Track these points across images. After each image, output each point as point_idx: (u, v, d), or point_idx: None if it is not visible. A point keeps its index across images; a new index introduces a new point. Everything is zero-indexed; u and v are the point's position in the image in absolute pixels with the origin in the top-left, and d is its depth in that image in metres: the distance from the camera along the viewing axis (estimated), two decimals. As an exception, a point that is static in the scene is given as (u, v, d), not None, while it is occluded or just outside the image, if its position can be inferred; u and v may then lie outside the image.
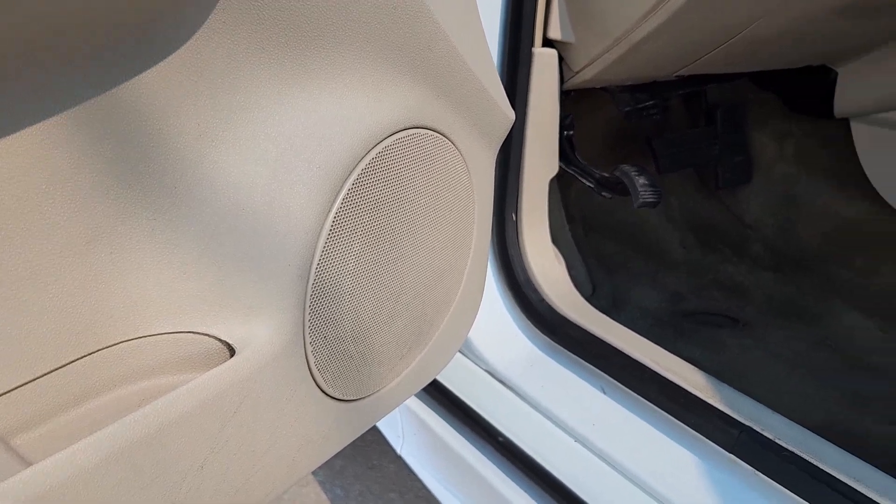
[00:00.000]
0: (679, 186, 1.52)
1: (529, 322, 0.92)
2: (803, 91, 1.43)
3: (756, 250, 1.46)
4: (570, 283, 0.96)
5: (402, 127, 0.56)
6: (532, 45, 0.86)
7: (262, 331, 0.49)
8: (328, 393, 0.56)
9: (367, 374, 0.59)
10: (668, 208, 1.48)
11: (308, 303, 0.51)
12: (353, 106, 0.53)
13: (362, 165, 0.53)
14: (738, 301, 1.32)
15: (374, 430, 1.19)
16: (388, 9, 0.51)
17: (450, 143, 0.61)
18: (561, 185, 1.27)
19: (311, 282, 0.51)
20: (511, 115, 0.66)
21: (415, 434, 1.03)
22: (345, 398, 0.58)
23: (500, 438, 0.88)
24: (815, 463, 0.66)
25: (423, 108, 0.58)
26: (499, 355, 0.91)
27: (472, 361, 0.94)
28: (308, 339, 0.52)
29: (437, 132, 0.60)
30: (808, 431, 0.72)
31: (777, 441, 0.70)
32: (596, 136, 1.36)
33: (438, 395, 0.97)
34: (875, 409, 1.05)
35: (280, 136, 0.49)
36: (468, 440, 0.92)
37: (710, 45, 0.91)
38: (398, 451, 1.08)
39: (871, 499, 0.62)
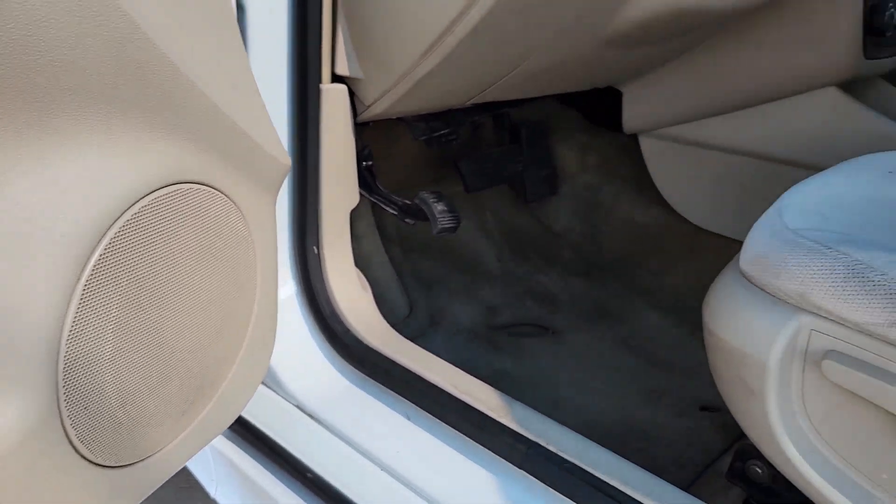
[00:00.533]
0: (494, 201, 1.59)
1: (337, 354, 0.93)
2: (601, 107, 1.54)
3: (566, 257, 1.55)
4: (376, 312, 0.98)
5: (162, 184, 0.56)
6: (320, 81, 0.88)
7: (10, 412, 0.48)
8: (98, 462, 0.55)
9: (142, 437, 0.58)
10: (483, 222, 1.55)
11: (61, 377, 0.50)
12: (102, 169, 0.52)
13: (115, 229, 0.52)
14: (549, 309, 1.40)
15: (190, 475, 1.16)
16: (134, 70, 0.51)
17: (219, 194, 0.61)
18: (376, 209, 1.30)
19: (62, 356, 0.49)
20: (286, 161, 0.67)
21: (227, 476, 1.01)
22: (119, 464, 0.57)
23: (309, 474, 0.88)
24: (590, 470, 0.72)
25: (185, 164, 0.57)
26: (307, 389, 0.92)
27: (282, 397, 0.94)
28: (65, 413, 0.50)
29: (204, 185, 0.60)
30: (589, 441, 0.78)
31: (560, 454, 0.75)
32: (403, 160, 1.40)
33: (247, 434, 0.96)
34: (667, 402, 1.15)
35: (14, 208, 0.47)
36: (278, 478, 0.92)
37: (492, 79, 0.97)
38: (212, 494, 1.06)
39: (635, 499, 0.68)
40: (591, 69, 1.11)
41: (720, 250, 1.42)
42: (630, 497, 0.69)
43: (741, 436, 1.07)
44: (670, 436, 1.07)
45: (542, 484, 0.73)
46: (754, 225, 0.77)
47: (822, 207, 0.76)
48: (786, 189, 1.25)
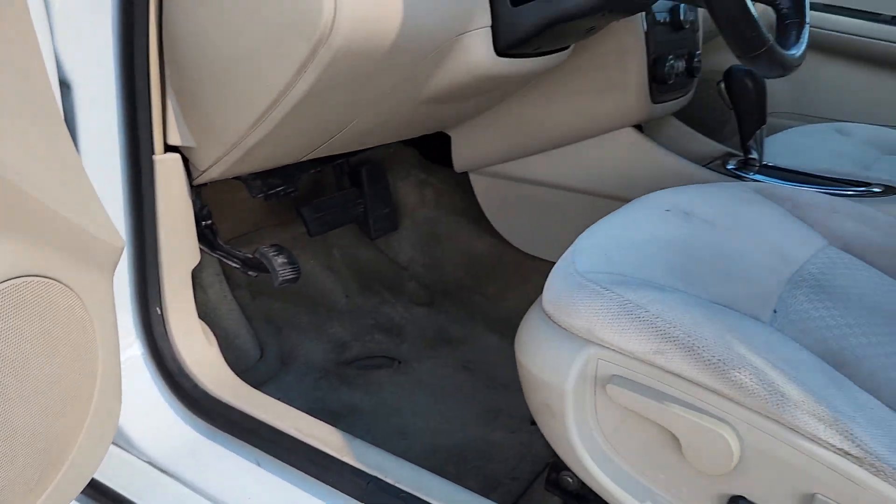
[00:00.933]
0: (340, 239, 1.66)
1: (186, 409, 0.97)
2: (435, 146, 1.66)
3: (411, 288, 1.65)
4: (223, 364, 1.03)
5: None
6: (152, 153, 0.92)
7: None
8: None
9: (-8, 516, 0.61)
10: (331, 261, 1.62)
11: None
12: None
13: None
14: (396, 340, 1.49)
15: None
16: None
17: (56, 282, 0.65)
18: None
19: None
20: (118, 243, 0.71)
21: (82, 540, 1.02)
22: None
23: (164, 530, 0.92)
24: (425, 498, 0.81)
25: (19, 260, 0.61)
26: (159, 446, 0.95)
27: (135, 456, 0.97)
28: None
29: (40, 276, 0.63)
30: (423, 470, 0.87)
31: (397, 485, 0.84)
32: (248, 208, 1.44)
33: (101, 497, 0.98)
34: (502, 420, 1.27)
35: None
36: (133, 538, 0.95)
37: (321, 141, 1.04)
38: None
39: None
40: (414, 123, 1.21)
41: (545, 273, 1.57)
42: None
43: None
44: (505, 451, 1.19)
45: (384, 514, 0.82)
46: (553, 268, 0.89)
47: (608, 249, 0.89)
48: (600, 216, 1.41)
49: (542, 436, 1.22)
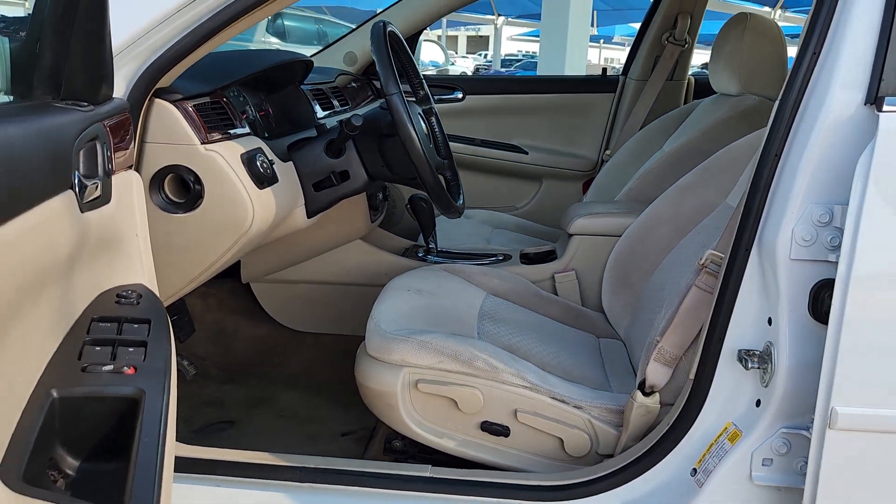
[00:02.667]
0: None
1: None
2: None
3: (214, 373, 2.22)
4: None
5: None
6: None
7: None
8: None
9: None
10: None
11: None
12: None
13: None
14: (223, 408, 2.06)
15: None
16: None
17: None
18: None
19: None
20: None
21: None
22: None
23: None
24: (345, 468, 1.49)
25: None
26: None
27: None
28: None
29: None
30: (328, 457, 1.54)
31: (317, 467, 1.50)
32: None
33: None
34: (324, 439, 1.95)
35: None
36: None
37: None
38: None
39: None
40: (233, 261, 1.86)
41: (320, 341, 2.28)
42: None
43: (370, 439, 1.93)
44: (337, 455, 1.87)
45: None
46: (367, 330, 1.63)
47: (395, 316, 1.67)
48: (349, 299, 2.17)
49: (353, 440, 1.94)
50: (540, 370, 1.60)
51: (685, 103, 2.99)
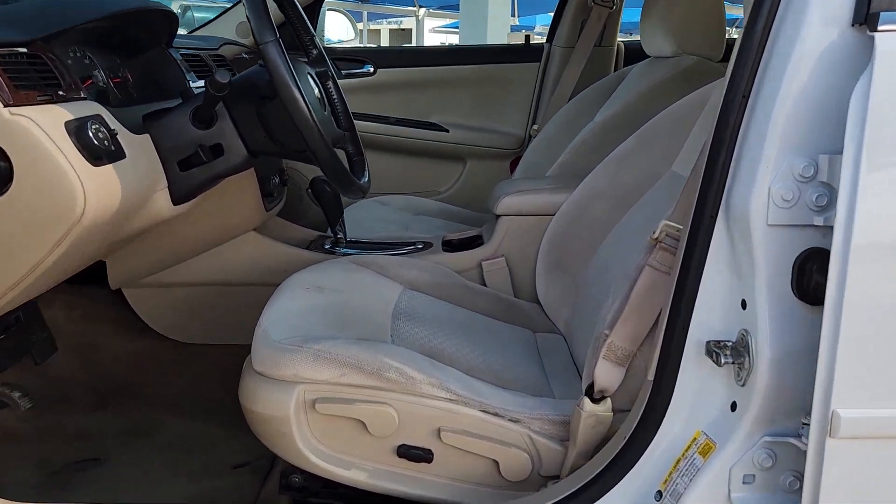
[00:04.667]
0: (8, 376, 1.77)
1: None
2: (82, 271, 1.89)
3: (81, 397, 1.85)
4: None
5: None
6: None
7: None
8: None
9: None
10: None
11: None
12: None
13: None
14: (89, 443, 1.70)
15: None
16: None
17: None
18: None
19: None
20: None
21: None
22: None
23: None
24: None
25: None
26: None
27: None
28: None
29: None
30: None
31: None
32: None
33: None
34: (211, 473, 1.61)
35: None
36: None
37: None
38: None
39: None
40: (90, 259, 1.50)
41: (206, 353, 1.94)
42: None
43: (268, 472, 1.61)
44: (224, 494, 1.55)
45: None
46: (254, 341, 1.31)
47: (288, 321, 1.36)
48: (242, 302, 1.85)
49: (248, 471, 1.62)
50: (467, 377, 1.32)
51: (615, 70, 2.75)
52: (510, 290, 1.84)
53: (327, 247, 1.98)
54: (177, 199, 1.38)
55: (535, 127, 2.75)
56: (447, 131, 2.83)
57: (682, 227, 1.11)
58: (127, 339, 1.94)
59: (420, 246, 1.99)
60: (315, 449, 1.26)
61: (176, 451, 1.68)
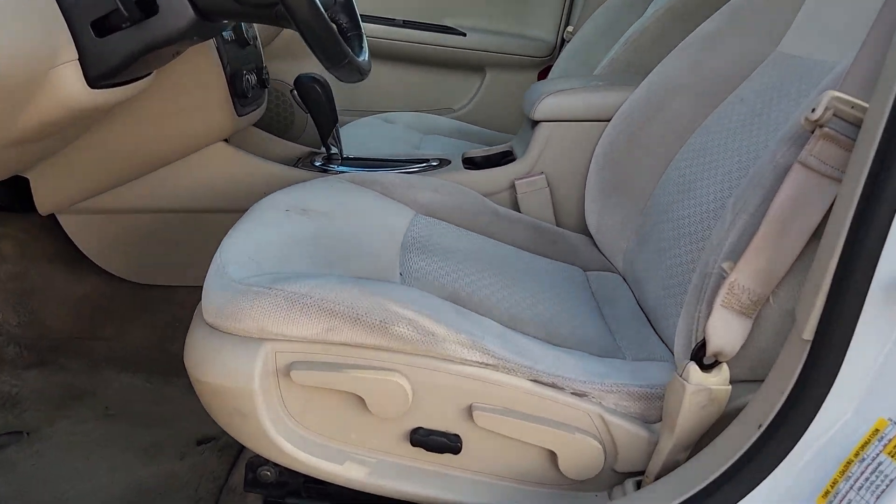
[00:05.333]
0: None
1: None
2: (10, 194, 1.49)
3: (11, 353, 1.47)
4: None
5: None
6: None
7: None
8: None
9: None
10: None
11: None
12: None
13: None
14: (16, 412, 1.33)
15: None
16: None
17: None
18: None
19: None
20: None
21: None
22: None
23: None
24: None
25: None
26: None
27: None
28: None
29: None
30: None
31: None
32: None
33: None
34: (167, 452, 1.24)
35: None
36: None
37: None
38: None
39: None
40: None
41: (168, 298, 1.55)
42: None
43: (241, 450, 1.23)
44: (182, 479, 1.17)
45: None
46: (206, 282, 0.92)
47: (253, 255, 0.96)
48: (211, 233, 1.46)
49: (213, 451, 1.24)
50: (508, 332, 0.93)
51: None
52: (551, 218, 1.44)
53: (318, 164, 1.57)
54: (93, 79, 0.96)
55: (570, 29, 2.30)
56: (463, 35, 2.38)
57: (861, 103, 0.70)
58: (70, 282, 1.55)
59: (435, 163, 1.58)
60: (292, 434, 0.87)
61: (124, 421, 1.31)
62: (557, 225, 1.43)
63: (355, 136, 1.91)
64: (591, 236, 1.38)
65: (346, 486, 0.88)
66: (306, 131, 2.20)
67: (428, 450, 0.87)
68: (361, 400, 0.85)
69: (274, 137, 1.67)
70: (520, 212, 1.43)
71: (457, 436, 0.88)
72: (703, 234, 1.02)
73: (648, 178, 1.27)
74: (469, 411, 0.86)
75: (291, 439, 0.87)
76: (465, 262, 1.11)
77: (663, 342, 1.03)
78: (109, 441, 1.26)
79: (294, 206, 1.15)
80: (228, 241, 1.00)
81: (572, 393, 0.87)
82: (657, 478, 0.84)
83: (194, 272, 1.50)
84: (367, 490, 0.88)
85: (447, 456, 0.88)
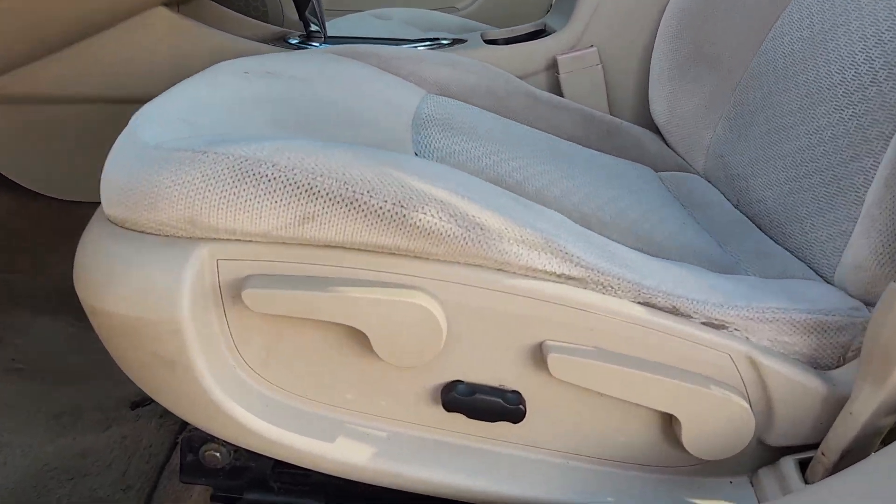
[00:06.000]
0: None
1: None
2: None
3: None
4: None
5: None
6: None
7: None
8: None
9: None
10: None
11: None
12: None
13: None
14: None
15: None
16: None
17: None
18: None
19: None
20: None
21: None
22: None
23: None
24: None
25: None
26: None
27: None
28: None
29: None
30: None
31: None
32: None
33: None
34: (89, 419, 0.90)
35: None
36: None
37: None
38: None
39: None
40: None
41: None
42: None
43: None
44: (105, 457, 0.84)
45: None
46: (108, 158, 0.57)
47: (187, 115, 0.61)
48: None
49: (151, 419, 0.90)
50: (591, 233, 0.58)
51: None
52: (604, 106, 1.09)
53: (294, 41, 1.21)
54: None
55: None
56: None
57: None
58: (-30, 197, 1.19)
59: (447, 42, 1.22)
60: (248, 393, 0.54)
61: (33, 373, 0.97)
62: (611, 114, 1.09)
63: (340, 28, 1.54)
64: (655, 130, 1.04)
65: (338, 474, 0.55)
66: (282, 13, 1.81)
67: (471, 416, 0.54)
68: (362, 337, 0.52)
69: (238, 15, 1.30)
70: (563, 96, 1.08)
71: (517, 393, 0.54)
72: (854, 96, 0.68)
73: (744, 40, 0.92)
74: (538, 353, 0.53)
75: (247, 402, 0.53)
76: (506, 146, 0.77)
77: (792, 255, 0.70)
78: (15, 403, 0.92)
79: (258, 69, 0.80)
80: (155, 100, 0.65)
81: (704, 323, 0.53)
82: (844, 456, 0.52)
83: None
84: (371, 481, 0.55)
85: (503, 426, 0.55)
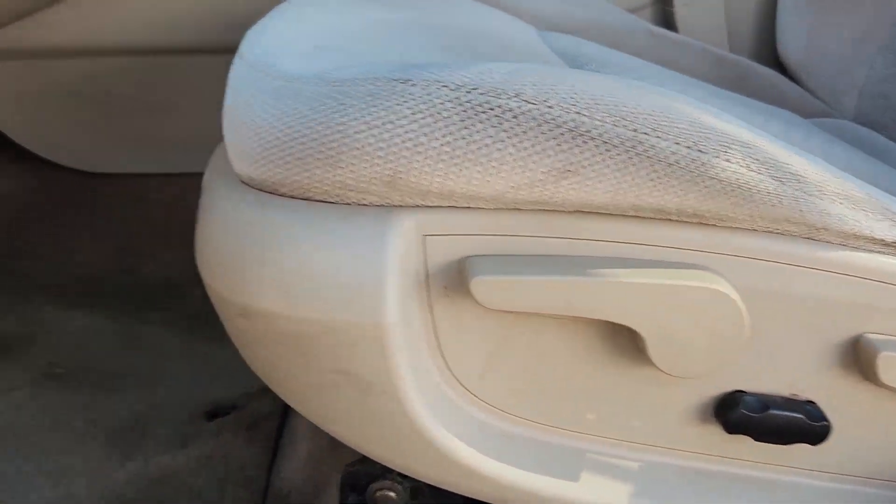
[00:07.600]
0: None
1: None
2: None
3: None
4: None
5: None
6: None
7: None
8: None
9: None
10: None
11: None
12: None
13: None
14: None
15: None
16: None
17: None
18: None
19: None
20: None
21: None
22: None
23: None
24: None
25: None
26: None
27: None
28: None
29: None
30: None
31: None
32: None
33: None
34: (157, 435, 0.75)
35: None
36: None
37: None
38: None
39: None
40: None
41: (133, 193, 1.03)
42: None
43: (284, 415, 0.75)
44: (188, 482, 0.69)
45: None
46: (232, 100, 0.41)
47: (322, 41, 0.45)
48: (193, 89, 0.95)
49: (236, 431, 0.75)
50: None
51: None
52: (724, 44, 0.95)
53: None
54: None
55: None
56: None
57: None
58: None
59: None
60: (463, 423, 0.39)
61: (72, 378, 0.81)
62: (731, 52, 0.94)
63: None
64: (791, 70, 0.90)
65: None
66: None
67: (759, 438, 0.40)
68: (620, 338, 0.37)
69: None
70: (678, 33, 0.93)
71: (813, 405, 0.40)
72: None
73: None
74: (849, 352, 0.39)
75: (464, 432, 0.39)
76: (666, 85, 0.62)
77: None
78: (57, 418, 0.76)
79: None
80: (253, 31, 0.49)
81: None
82: None
83: (171, 153, 0.98)
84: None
85: (795, 449, 0.41)
